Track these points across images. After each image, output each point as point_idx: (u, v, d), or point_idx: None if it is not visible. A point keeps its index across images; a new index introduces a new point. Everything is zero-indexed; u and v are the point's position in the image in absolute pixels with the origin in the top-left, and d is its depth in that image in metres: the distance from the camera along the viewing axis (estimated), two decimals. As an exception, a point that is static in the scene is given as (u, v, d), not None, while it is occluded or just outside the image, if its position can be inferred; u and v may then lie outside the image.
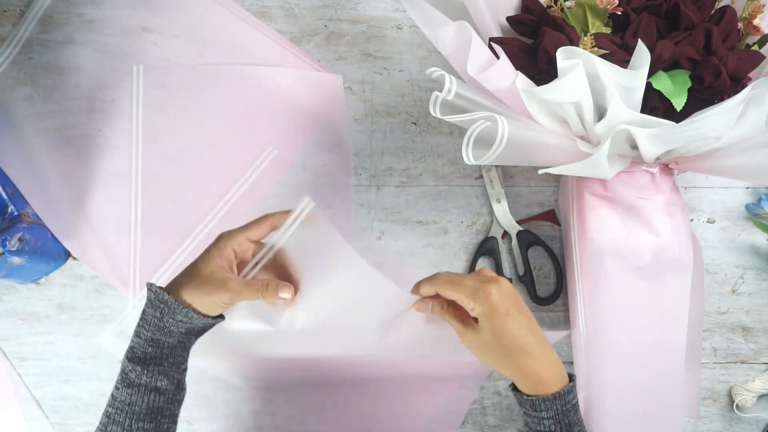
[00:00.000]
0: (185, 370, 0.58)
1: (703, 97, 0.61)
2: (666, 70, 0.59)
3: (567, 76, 0.53)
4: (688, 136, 0.55)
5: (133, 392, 0.54)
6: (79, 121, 0.74)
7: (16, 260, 0.65)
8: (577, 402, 0.54)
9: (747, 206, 0.75)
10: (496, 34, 0.64)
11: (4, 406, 0.71)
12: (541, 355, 0.52)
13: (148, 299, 0.56)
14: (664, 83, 0.57)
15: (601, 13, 0.61)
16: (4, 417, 0.71)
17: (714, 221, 0.76)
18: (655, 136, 0.55)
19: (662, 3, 0.62)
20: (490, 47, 0.61)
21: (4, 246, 0.63)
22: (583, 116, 0.58)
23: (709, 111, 0.53)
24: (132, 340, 0.55)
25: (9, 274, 0.67)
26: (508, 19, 0.65)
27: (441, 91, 0.55)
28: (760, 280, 0.75)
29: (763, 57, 0.61)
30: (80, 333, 0.72)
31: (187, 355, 0.58)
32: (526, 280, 0.74)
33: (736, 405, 0.73)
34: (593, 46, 0.57)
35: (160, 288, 0.55)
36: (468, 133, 0.55)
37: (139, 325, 0.56)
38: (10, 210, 0.66)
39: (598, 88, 0.55)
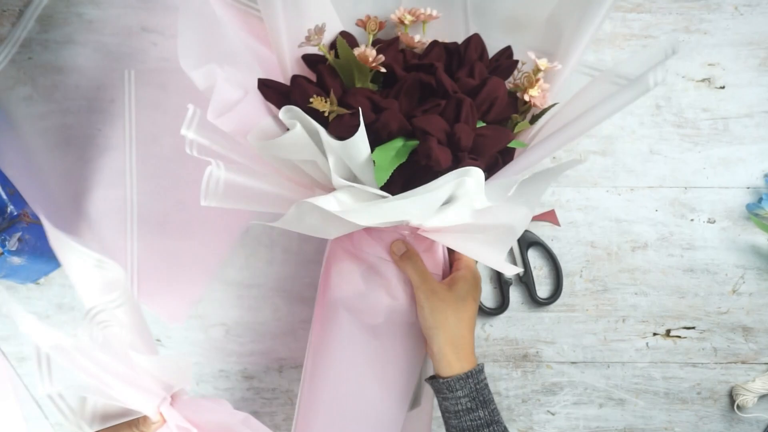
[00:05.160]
0: None
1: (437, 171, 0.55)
2: (411, 138, 0.56)
3: (288, 134, 0.52)
4: (393, 213, 0.52)
5: None
6: (78, 121, 0.74)
7: (15, 260, 0.65)
8: (487, 383, 0.59)
9: (748, 206, 0.75)
10: (298, 71, 0.61)
11: (3, 406, 0.71)
12: (453, 337, 0.58)
13: None
14: (383, 154, 0.54)
15: (364, 71, 0.58)
16: (3, 417, 0.71)
17: (714, 221, 0.76)
18: (365, 207, 0.52)
19: (433, 65, 0.58)
20: (269, 87, 0.59)
21: (3, 246, 0.63)
22: (320, 169, 0.56)
23: (417, 190, 0.50)
24: None
25: (9, 274, 0.67)
26: (304, 57, 0.61)
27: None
28: (761, 280, 0.75)
29: (511, 136, 0.57)
30: (80, 333, 0.72)
31: None
32: (525, 281, 0.74)
33: (737, 405, 0.73)
34: (331, 106, 0.55)
35: None
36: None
37: None
38: (9, 210, 0.66)
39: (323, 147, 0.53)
